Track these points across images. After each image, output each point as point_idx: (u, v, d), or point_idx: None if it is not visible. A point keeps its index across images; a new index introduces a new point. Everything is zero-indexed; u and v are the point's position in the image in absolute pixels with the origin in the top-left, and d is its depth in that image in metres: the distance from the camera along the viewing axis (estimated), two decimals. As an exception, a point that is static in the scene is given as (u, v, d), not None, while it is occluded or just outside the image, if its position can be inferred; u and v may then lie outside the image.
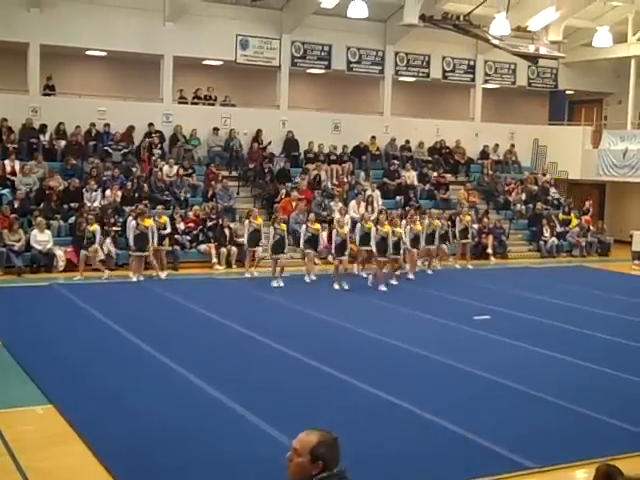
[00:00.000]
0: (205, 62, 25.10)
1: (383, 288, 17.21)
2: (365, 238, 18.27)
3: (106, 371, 10.74)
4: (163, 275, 18.54)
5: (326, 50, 25.69)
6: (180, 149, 23.43)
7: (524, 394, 10.19)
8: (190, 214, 21.06)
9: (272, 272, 18.07)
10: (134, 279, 17.94)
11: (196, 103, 24.95)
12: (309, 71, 26.24)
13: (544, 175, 28.04)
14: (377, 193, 24.00)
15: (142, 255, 18.25)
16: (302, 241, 18.40)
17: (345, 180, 24.44)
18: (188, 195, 22.13)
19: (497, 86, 29.07)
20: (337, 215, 22.17)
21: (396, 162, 25.66)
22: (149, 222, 18.18)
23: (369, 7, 22.52)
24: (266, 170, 23.61)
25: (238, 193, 23.29)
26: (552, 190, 27.69)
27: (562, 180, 28.67)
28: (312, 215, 20.01)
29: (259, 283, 18.17)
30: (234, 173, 23.92)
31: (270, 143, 24.51)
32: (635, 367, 11.64)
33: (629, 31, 27.34)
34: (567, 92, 30.76)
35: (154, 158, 22.65)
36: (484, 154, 28.03)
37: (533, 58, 24.93)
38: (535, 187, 27.24)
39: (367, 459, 7.93)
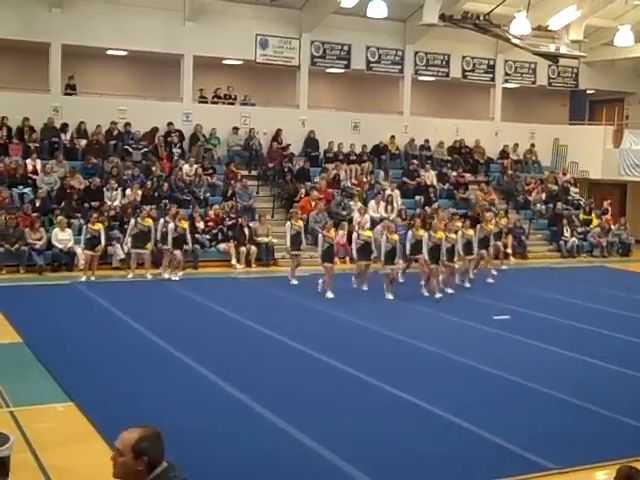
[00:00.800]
0: (225, 61, 25.18)
1: (439, 295, 16.37)
2: (416, 247, 17.14)
3: (126, 369, 10.80)
4: (167, 275, 18.30)
5: (345, 50, 25.68)
6: (200, 148, 23.51)
7: (542, 394, 10.16)
8: (210, 213, 21.14)
9: (291, 271, 18.08)
10: (149, 276, 18.31)
11: (216, 102, 25.03)
12: (328, 70, 26.25)
13: (564, 175, 27.90)
14: (396, 193, 23.99)
15: (141, 252, 18.48)
16: (320, 251, 17.26)
17: (364, 180, 24.43)
18: (208, 194, 22.21)
19: (517, 85, 28.95)
20: (356, 215, 22.24)
21: (415, 162, 25.63)
22: (149, 221, 18.35)
23: (389, 6, 22.51)
24: (285, 169, 23.65)
25: (258, 192, 23.35)
26: (573, 190, 27.55)
27: (583, 180, 28.51)
28: (328, 220, 20.09)
29: (279, 282, 18.20)
30: (253, 172, 23.97)
31: (289, 146, 24.55)
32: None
33: (651, 30, 27.11)
34: (588, 91, 30.60)
35: (174, 157, 22.75)
36: (504, 154, 27.93)
37: (554, 57, 24.80)
38: (555, 187, 27.12)
39: (385, 458, 7.96)
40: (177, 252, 18.29)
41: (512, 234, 23.23)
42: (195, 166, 22.53)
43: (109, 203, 20.44)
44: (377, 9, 22.42)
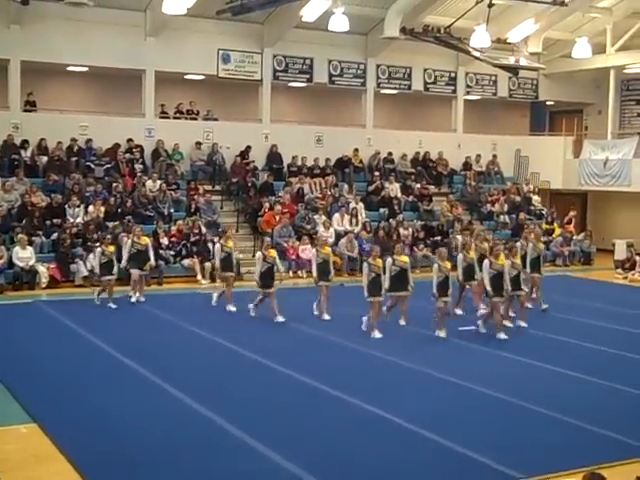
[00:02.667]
0: (187, 77, 25.08)
1: (503, 336, 13.97)
2: (469, 270, 15.48)
3: (90, 389, 10.66)
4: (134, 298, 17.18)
5: (308, 63, 25.75)
6: (163, 164, 23.38)
7: (511, 404, 10.20)
8: (173, 229, 21.01)
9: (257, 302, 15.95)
10: (133, 299, 17.05)
11: (178, 118, 24.92)
12: (291, 84, 26.28)
13: (527, 185, 28.17)
14: (361, 205, 24.05)
15: (141, 274, 17.27)
16: (315, 270, 15.58)
17: (328, 193, 24.46)
18: (171, 210, 22.08)
19: (478, 97, 29.22)
20: (321, 228, 22.29)
21: (377, 174, 25.72)
22: (145, 240, 17.34)
23: (350, 20, 22.62)
24: (249, 184, 23.60)
25: (222, 207, 23.27)
26: (535, 200, 27.83)
27: (544, 190, 28.81)
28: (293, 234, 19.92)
29: (244, 298, 18.08)
30: (217, 187, 23.89)
31: (253, 161, 24.51)
32: (620, 376, 11.66)
33: (607, 42, 27.56)
34: (548, 103, 30.97)
35: (137, 173, 22.60)
36: (467, 165, 28.14)
37: (513, 69, 25.11)
38: (518, 197, 27.37)
39: (353, 472, 7.93)
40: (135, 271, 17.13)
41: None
42: (159, 182, 22.39)
43: (71, 220, 20.23)
44: (338, 23, 22.53)
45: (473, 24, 22.42)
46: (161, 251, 19.91)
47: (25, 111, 22.72)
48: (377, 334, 13.87)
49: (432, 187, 26.73)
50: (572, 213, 26.99)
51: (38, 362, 12.06)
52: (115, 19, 22.54)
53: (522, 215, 25.71)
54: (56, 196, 20.57)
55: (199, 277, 20.19)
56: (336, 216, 23.27)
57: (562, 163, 28.51)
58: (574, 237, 26.05)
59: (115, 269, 16.81)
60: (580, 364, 12.33)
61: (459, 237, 19.09)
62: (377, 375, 11.71)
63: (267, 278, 15.60)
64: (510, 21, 25.44)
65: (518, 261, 14.95)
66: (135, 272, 17.02)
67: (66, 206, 20.51)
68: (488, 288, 14.05)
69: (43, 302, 17.20)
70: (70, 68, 23.67)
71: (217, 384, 11.03)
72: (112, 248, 17.00)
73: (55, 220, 20.13)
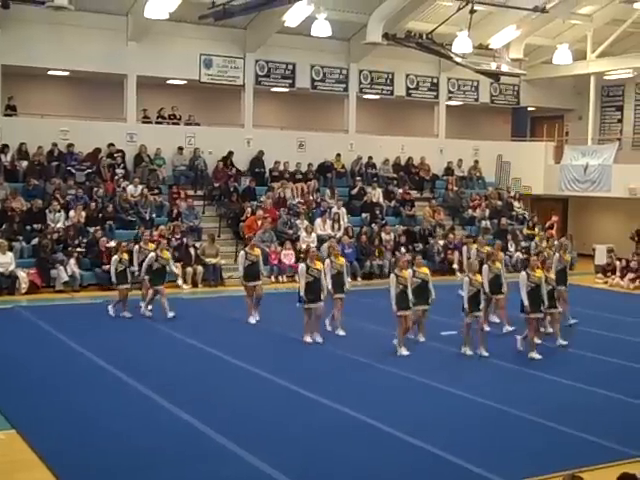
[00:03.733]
0: (169, 81, 25.03)
1: (536, 356, 13.03)
2: (496, 281, 14.74)
3: (70, 394, 10.59)
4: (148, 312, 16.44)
5: (290, 69, 25.76)
6: (145, 169, 23.30)
7: (494, 410, 10.22)
8: (155, 234, 20.90)
9: (248, 310, 15.77)
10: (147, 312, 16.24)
11: (160, 122, 24.85)
12: (273, 90, 26.27)
13: (508, 192, 28.27)
14: (343, 210, 24.07)
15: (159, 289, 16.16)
16: (329, 282, 14.13)
17: (311, 198, 24.46)
18: (153, 215, 22.00)
19: (460, 103, 29.34)
20: (303, 233, 22.29)
21: (359, 178, 25.76)
22: (167, 254, 16.56)
23: (332, 26, 22.66)
24: (231, 189, 23.56)
25: (204, 212, 23.23)
26: (516, 205, 27.94)
27: (526, 195, 28.95)
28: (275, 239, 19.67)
29: (226, 303, 18.05)
30: (199, 192, 23.83)
31: (234, 166, 24.47)
32: (598, 379, 11.75)
33: (588, 48, 27.78)
34: (529, 108, 31.14)
35: (117, 178, 22.51)
36: (449, 170, 28.23)
37: (495, 75, 25.21)
38: (499, 202, 27.48)
39: (335, 478, 7.92)
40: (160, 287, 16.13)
41: (458, 250, 23.43)
42: (140, 186, 22.31)
43: (52, 225, 20.10)
44: (321, 28, 22.57)
45: (455, 30, 22.53)
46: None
47: (5, 115, 22.56)
48: (404, 351, 13.10)
49: (414, 192, 26.80)
50: (554, 218, 27.09)
51: (17, 368, 11.96)
52: (97, 23, 22.46)
53: (504, 220, 25.81)
54: (36, 201, 20.43)
55: (180, 282, 20.09)
56: (318, 221, 23.28)
57: (543, 168, 28.66)
58: (556, 242, 26.13)
59: (129, 277, 16.31)
60: (560, 368, 12.40)
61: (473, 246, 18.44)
62: (360, 380, 11.69)
63: (251, 273, 15.53)
64: (492, 27, 25.59)
65: (552, 275, 13.99)
66: (157, 288, 16.07)
67: (47, 211, 20.38)
68: (525, 303, 13.10)
69: (23, 308, 17.07)
70: (51, 72, 23.54)
71: (199, 389, 10.98)
72: (126, 256, 16.50)
73: (35, 225, 19.99)
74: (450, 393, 10.94)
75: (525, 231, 26.18)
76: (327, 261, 14.58)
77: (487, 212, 26.70)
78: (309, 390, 10.80)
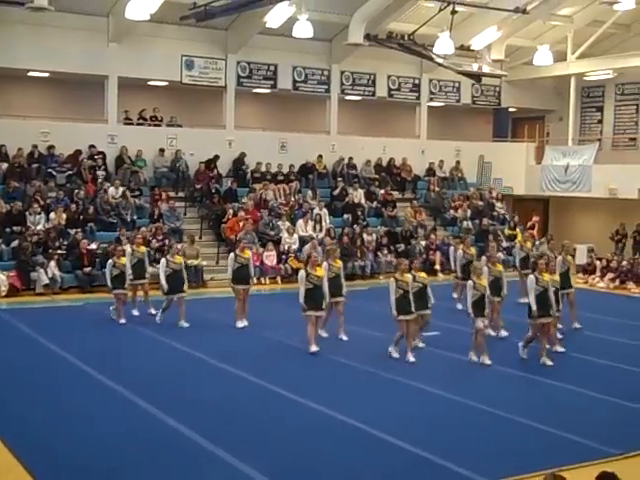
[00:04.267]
0: (150, 83, 24.93)
1: (549, 362, 12.68)
2: (497, 284, 14.37)
3: (50, 397, 10.52)
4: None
5: (272, 70, 25.73)
6: (126, 171, 23.21)
7: (476, 409, 10.25)
8: (138, 236, 20.79)
9: (237, 314, 15.49)
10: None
11: (141, 124, 24.75)
12: (255, 91, 26.24)
13: (490, 193, 28.36)
14: (325, 211, 24.07)
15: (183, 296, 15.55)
16: (301, 295, 13.29)
17: (292, 199, 24.45)
18: (135, 217, 21.91)
19: (442, 104, 29.42)
20: (285, 234, 22.25)
21: (340, 179, 25.77)
22: (180, 259, 15.83)
23: (314, 27, 22.64)
24: (213, 190, 23.51)
25: (185, 214, 23.16)
26: (498, 206, 28.04)
27: (507, 196, 29.06)
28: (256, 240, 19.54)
29: (208, 304, 18.00)
30: (181, 194, 23.76)
31: (216, 167, 24.43)
32: (581, 379, 11.82)
33: (568, 50, 27.94)
34: (510, 109, 31.27)
35: (98, 180, 22.40)
36: (430, 171, 28.30)
37: (476, 76, 25.26)
38: (481, 203, 27.57)
39: (316, 477, 7.91)
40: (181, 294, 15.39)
41: (440, 251, 23.52)
42: (121, 188, 22.22)
43: (32, 227, 19.97)
44: (303, 29, 22.53)
45: (437, 31, 22.58)
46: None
47: (-15, 117, 22.44)
48: (411, 357, 12.69)
49: (396, 193, 26.86)
50: (535, 218, 27.15)
51: (-3, 371, 11.88)
52: (77, 24, 22.34)
53: (485, 221, 25.89)
54: (16, 203, 20.29)
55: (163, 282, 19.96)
56: (300, 222, 23.27)
57: (524, 169, 28.79)
58: (536, 242, 26.23)
59: (127, 282, 15.79)
60: (542, 369, 12.44)
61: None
62: (345, 382, 11.70)
63: (241, 275, 15.26)
64: (473, 28, 25.67)
65: (557, 278, 13.65)
66: (177, 296, 15.38)
67: (27, 213, 20.26)
68: (534, 307, 12.69)
69: (2, 311, 16.96)
70: (31, 73, 23.39)
71: (180, 391, 10.94)
72: (124, 260, 15.84)
73: (15, 227, 19.86)
74: (435, 395, 10.96)
75: (506, 231, 26.25)
76: (324, 264, 14.05)
77: (469, 213, 26.79)
78: (295, 393, 10.76)
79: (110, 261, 16.00)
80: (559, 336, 14.17)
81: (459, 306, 17.25)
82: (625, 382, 11.94)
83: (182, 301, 15.42)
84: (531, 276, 13.08)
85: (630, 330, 15.95)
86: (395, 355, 12.89)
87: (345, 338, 14.36)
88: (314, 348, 13.20)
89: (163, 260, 15.67)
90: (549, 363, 12.63)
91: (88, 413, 9.87)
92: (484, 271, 13.86)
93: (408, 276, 12.92)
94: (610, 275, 22.94)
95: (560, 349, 13.57)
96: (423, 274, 13.50)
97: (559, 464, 7.86)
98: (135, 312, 16.30)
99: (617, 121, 29.60)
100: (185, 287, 15.53)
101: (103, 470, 8.06)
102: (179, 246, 16.60)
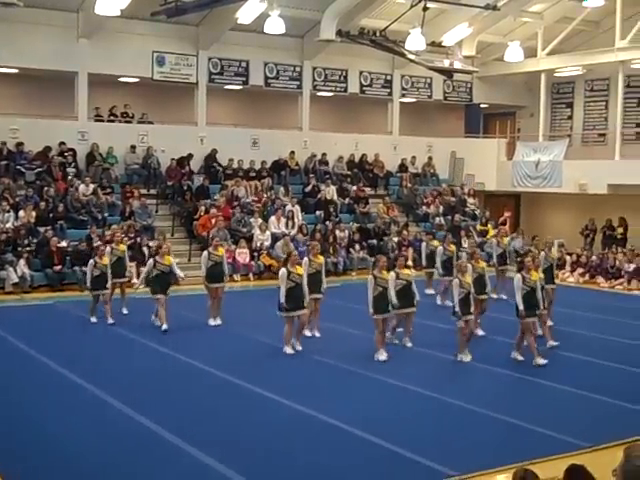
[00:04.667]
0: (121, 79, 24.76)
1: (541, 361, 12.38)
2: (480, 282, 14.26)
3: (20, 397, 10.42)
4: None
5: (243, 66, 25.66)
6: (97, 168, 23.03)
7: (446, 404, 10.30)
8: (108, 233, 20.67)
9: (210, 311, 15.37)
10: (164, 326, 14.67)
11: (112, 121, 24.57)
12: (227, 87, 26.15)
13: (462, 189, 28.48)
14: (297, 208, 24.05)
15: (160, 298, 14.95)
16: (282, 295, 12.79)
17: (264, 196, 24.40)
18: (106, 214, 21.76)
19: (414, 100, 29.49)
20: (257, 231, 22.21)
21: (312, 175, 25.76)
22: (169, 260, 15.22)
23: (286, 23, 22.60)
24: (185, 187, 23.40)
25: (157, 211, 23.05)
26: (470, 201, 28.18)
27: (479, 191, 29.21)
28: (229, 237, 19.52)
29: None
30: (152, 191, 23.64)
31: (194, 172, 24.34)
32: (553, 373, 11.93)
33: (539, 46, 28.13)
34: (482, 105, 31.42)
35: (69, 177, 22.21)
36: (403, 167, 28.37)
37: (448, 72, 25.39)
38: (453, 199, 27.69)
39: (286, 473, 7.91)
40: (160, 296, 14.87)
41: (412, 247, 23.57)
42: (91, 185, 22.05)
43: (1, 225, 19.76)
44: (274, 25, 22.49)
45: (408, 27, 22.61)
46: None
47: (-47, 114, 22.17)
48: (383, 356, 12.57)
49: (368, 189, 26.90)
50: (507, 214, 27.33)
51: (-34, 371, 11.75)
52: (46, 20, 22.14)
53: (457, 217, 26.01)
54: (-15, 201, 20.09)
55: (134, 281, 19.87)
56: (272, 219, 23.23)
57: (496, 165, 28.95)
58: (508, 238, 26.38)
59: (109, 283, 15.50)
60: (509, 360, 12.54)
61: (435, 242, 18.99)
62: (319, 379, 11.71)
63: (214, 273, 15.14)
64: (444, 25, 25.76)
65: (542, 275, 13.49)
66: (162, 297, 14.83)
67: (-4, 211, 20.06)
68: (521, 307, 12.46)
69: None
70: (0, 70, 23.13)
71: (152, 390, 10.89)
72: (106, 260, 15.49)
73: (-16, 225, 19.66)
74: (411, 391, 10.98)
75: (478, 227, 26.41)
76: (305, 259, 13.85)
77: (441, 208, 26.90)
78: (270, 391, 10.72)
79: (91, 261, 15.66)
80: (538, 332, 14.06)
81: (438, 301, 17.32)
82: (597, 376, 12.04)
83: (165, 303, 14.92)
84: (518, 275, 12.84)
85: (602, 325, 16.11)
86: (382, 358, 12.58)
87: (318, 335, 14.34)
88: (289, 350, 12.99)
89: (151, 261, 15.21)
90: (542, 362, 12.33)
91: (60, 414, 9.79)
92: (468, 268, 13.71)
93: (388, 273, 12.75)
94: (580, 270, 23.15)
95: (554, 343, 13.47)
96: (407, 271, 13.33)
97: (530, 458, 7.93)
98: (124, 310, 16.19)
99: (587, 117, 29.84)
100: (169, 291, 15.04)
101: (75, 471, 8.00)
102: (164, 247, 15.87)
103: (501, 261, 18.82)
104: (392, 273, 12.84)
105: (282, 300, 12.76)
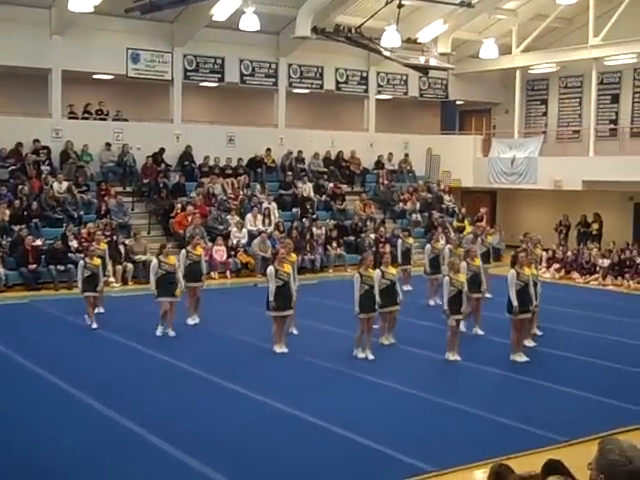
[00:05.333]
0: (95, 76, 24.55)
1: (521, 358, 12.41)
2: (475, 280, 14.20)
3: (1, 398, 10.33)
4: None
5: (219, 63, 25.56)
6: (72, 166, 22.86)
7: (426, 401, 10.35)
8: (83, 231, 20.55)
9: (189, 310, 15.21)
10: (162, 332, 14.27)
11: (87, 118, 24.38)
12: (202, 84, 26.04)
13: (438, 185, 28.57)
14: (274, 205, 24.01)
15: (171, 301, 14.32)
16: (272, 293, 12.63)
17: (241, 193, 24.33)
18: (81, 212, 21.60)
19: (390, 97, 29.54)
20: (234, 229, 22.14)
21: (289, 173, 25.73)
22: (173, 260, 14.52)
23: (261, 20, 22.53)
24: (161, 185, 23.29)
25: (133, 209, 22.91)
26: (446, 198, 28.27)
27: (455, 188, 29.32)
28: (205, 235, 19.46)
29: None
30: (128, 189, 23.50)
31: (163, 161, 24.19)
32: (532, 368, 12.01)
33: (513, 43, 28.29)
34: (457, 102, 31.53)
35: (43, 175, 22.02)
36: (379, 164, 28.41)
37: (423, 69, 25.45)
38: (429, 195, 27.76)
39: (265, 471, 7.90)
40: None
41: (389, 243, 23.57)
42: (65, 183, 21.87)
43: (-25, 224, 19.59)
44: (249, 22, 22.41)
45: (383, 24, 22.63)
46: (70, 254, 19.45)
47: None
48: (369, 355, 12.50)
49: (345, 186, 26.92)
50: (483, 210, 27.48)
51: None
52: (19, 16, 21.89)
53: (434, 213, 26.08)
54: (-42, 199, 19.88)
55: (112, 279, 19.78)
56: (249, 216, 23.18)
57: (472, 161, 29.06)
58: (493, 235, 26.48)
59: (100, 286, 15.15)
60: (491, 358, 12.58)
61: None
62: (300, 377, 11.70)
63: (192, 272, 14.86)
64: (420, 22, 25.83)
65: (536, 272, 13.42)
66: (165, 300, 14.16)
67: (-31, 210, 19.85)
68: (515, 303, 12.28)
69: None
70: (-28, 67, 22.91)
71: (132, 390, 10.83)
72: (98, 261, 15.01)
73: (-42, 224, 19.45)
74: (391, 388, 11.01)
75: (455, 224, 26.49)
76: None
77: (417, 205, 26.97)
78: (250, 389, 10.71)
79: (81, 262, 15.27)
80: (538, 333, 14.20)
81: (431, 302, 17.31)
82: (575, 371, 12.12)
83: (173, 307, 14.31)
84: (512, 271, 12.57)
85: (580, 320, 16.21)
86: (361, 355, 12.57)
87: (295, 332, 14.31)
88: (282, 349, 12.83)
89: (155, 261, 14.47)
90: (521, 360, 12.32)
91: (38, 415, 9.70)
92: (462, 267, 13.61)
93: (374, 271, 12.65)
94: (556, 265, 23.29)
95: (531, 344, 13.35)
96: (392, 270, 13.21)
97: (507, 452, 7.98)
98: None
99: (561, 114, 30.05)
100: (178, 292, 14.32)
101: (54, 468, 7.94)
102: (168, 247, 15.44)
103: (484, 259, 18.79)
104: (377, 271, 12.74)
105: (271, 298, 12.57)
